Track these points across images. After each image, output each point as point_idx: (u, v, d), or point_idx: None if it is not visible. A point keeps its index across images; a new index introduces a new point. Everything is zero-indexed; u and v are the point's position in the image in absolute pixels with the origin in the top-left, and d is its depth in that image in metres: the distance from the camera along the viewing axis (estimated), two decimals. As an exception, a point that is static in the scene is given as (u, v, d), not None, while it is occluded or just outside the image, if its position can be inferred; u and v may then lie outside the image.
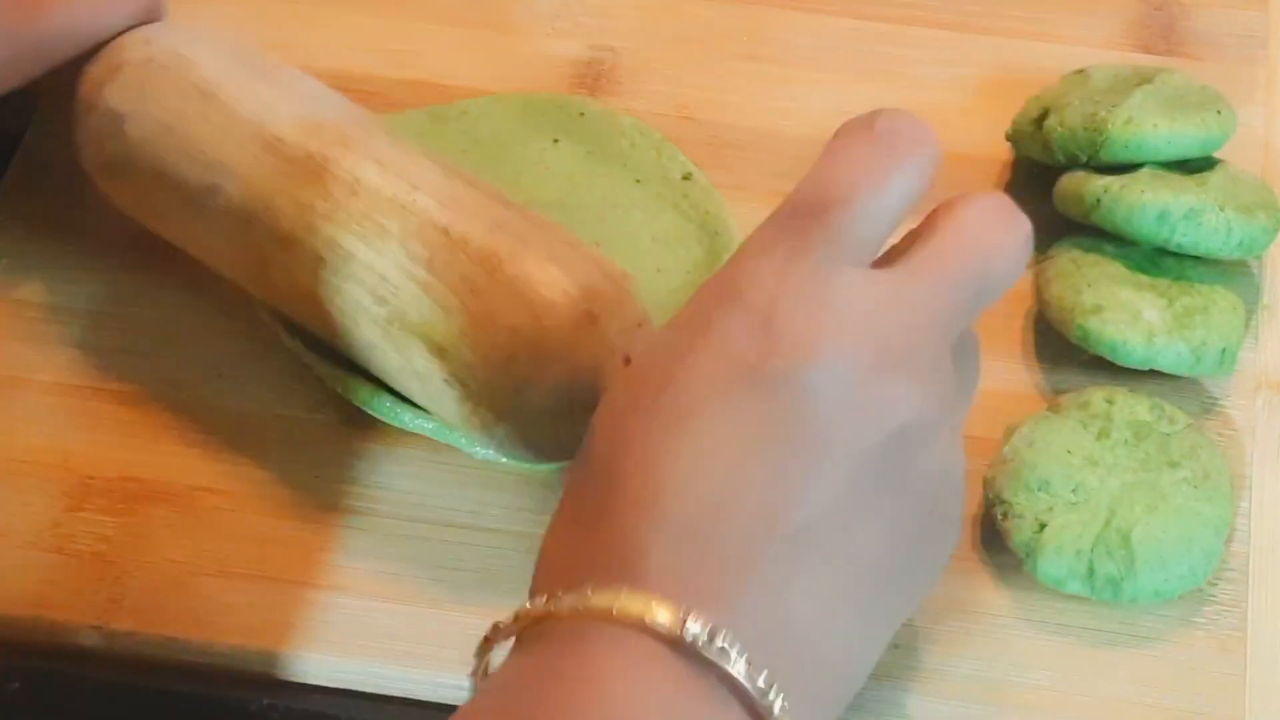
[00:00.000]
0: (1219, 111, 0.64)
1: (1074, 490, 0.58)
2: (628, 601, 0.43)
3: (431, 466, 0.61)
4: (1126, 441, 0.59)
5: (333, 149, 0.58)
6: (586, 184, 0.67)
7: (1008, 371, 0.63)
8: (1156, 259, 0.63)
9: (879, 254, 0.49)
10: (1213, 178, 0.63)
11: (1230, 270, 0.63)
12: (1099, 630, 0.57)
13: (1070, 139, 0.63)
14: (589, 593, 0.44)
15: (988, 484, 0.58)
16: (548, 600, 0.44)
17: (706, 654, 0.43)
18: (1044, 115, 0.65)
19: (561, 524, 0.47)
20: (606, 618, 0.43)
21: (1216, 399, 0.62)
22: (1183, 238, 0.61)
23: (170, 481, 0.60)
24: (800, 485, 0.45)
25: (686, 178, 0.66)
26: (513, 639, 0.46)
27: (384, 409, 0.59)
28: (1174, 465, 0.58)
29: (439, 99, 0.69)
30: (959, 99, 0.70)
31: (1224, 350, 0.61)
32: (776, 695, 0.43)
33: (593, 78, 0.71)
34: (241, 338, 0.63)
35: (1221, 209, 0.61)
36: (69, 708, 0.57)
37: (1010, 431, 0.59)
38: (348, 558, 0.59)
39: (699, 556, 0.44)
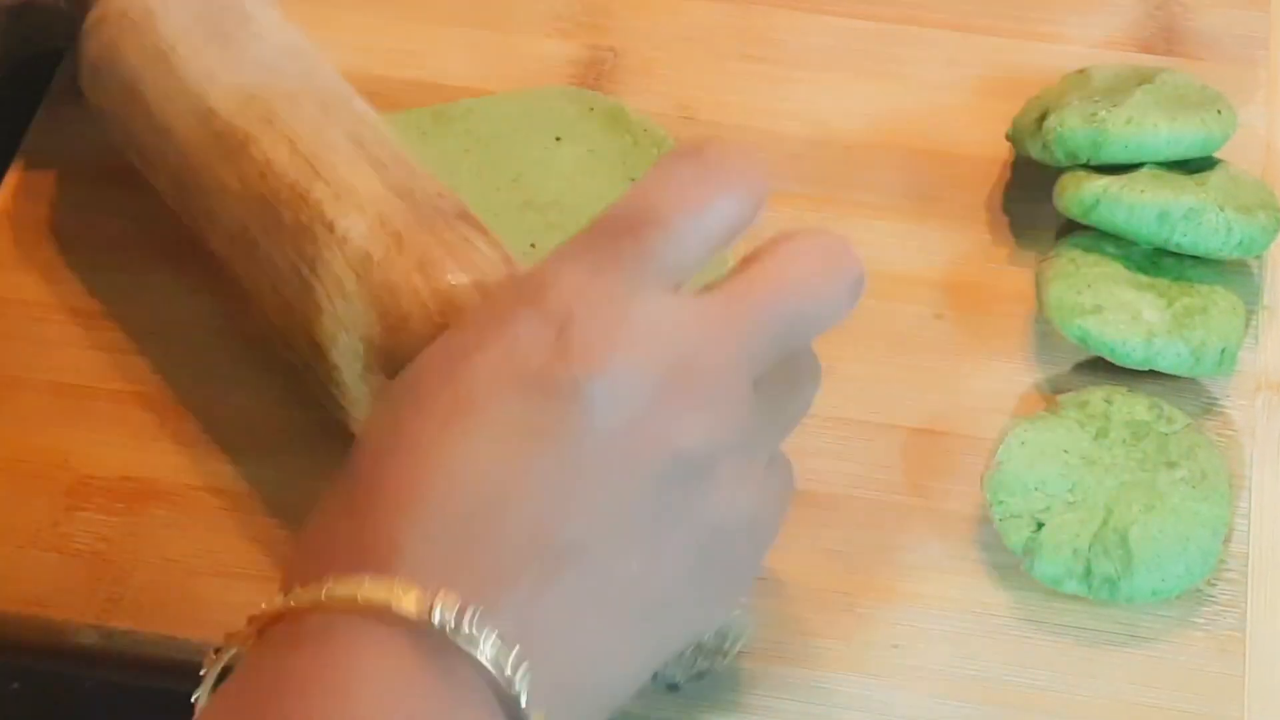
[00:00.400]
0: (1219, 111, 0.64)
1: (1071, 490, 0.58)
2: (371, 589, 0.42)
3: (430, 466, 0.61)
4: (1124, 441, 0.59)
5: (255, 126, 0.57)
6: (586, 183, 0.67)
7: (1008, 372, 0.63)
8: (1156, 259, 0.62)
9: (691, 279, 0.48)
10: (1213, 178, 0.63)
11: (1230, 270, 0.63)
12: (1097, 630, 0.57)
13: (1070, 139, 0.63)
14: (331, 583, 0.42)
15: (985, 484, 0.58)
16: (286, 596, 0.43)
17: (455, 640, 0.41)
18: (1044, 115, 0.65)
19: (320, 514, 0.46)
20: (348, 609, 0.42)
21: (1216, 399, 0.62)
22: (1182, 238, 0.61)
23: (169, 481, 0.60)
24: (571, 499, 0.44)
25: (686, 177, 0.67)
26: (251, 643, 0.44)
27: None
28: (1172, 465, 0.58)
29: (438, 99, 0.69)
30: (959, 99, 0.70)
31: (1223, 350, 0.60)
32: (524, 683, 0.42)
33: (593, 78, 0.71)
34: (241, 338, 0.63)
35: (1221, 209, 0.61)
36: (69, 708, 0.57)
37: (1007, 431, 0.59)
38: (347, 557, 0.59)
39: (457, 554, 0.43)
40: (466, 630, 0.41)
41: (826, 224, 0.66)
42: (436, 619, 0.41)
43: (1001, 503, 0.58)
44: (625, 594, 0.45)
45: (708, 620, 0.49)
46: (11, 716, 0.57)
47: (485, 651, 0.42)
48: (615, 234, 0.46)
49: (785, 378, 0.48)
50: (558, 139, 0.68)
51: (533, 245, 0.65)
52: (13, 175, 0.68)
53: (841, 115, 0.70)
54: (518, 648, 0.42)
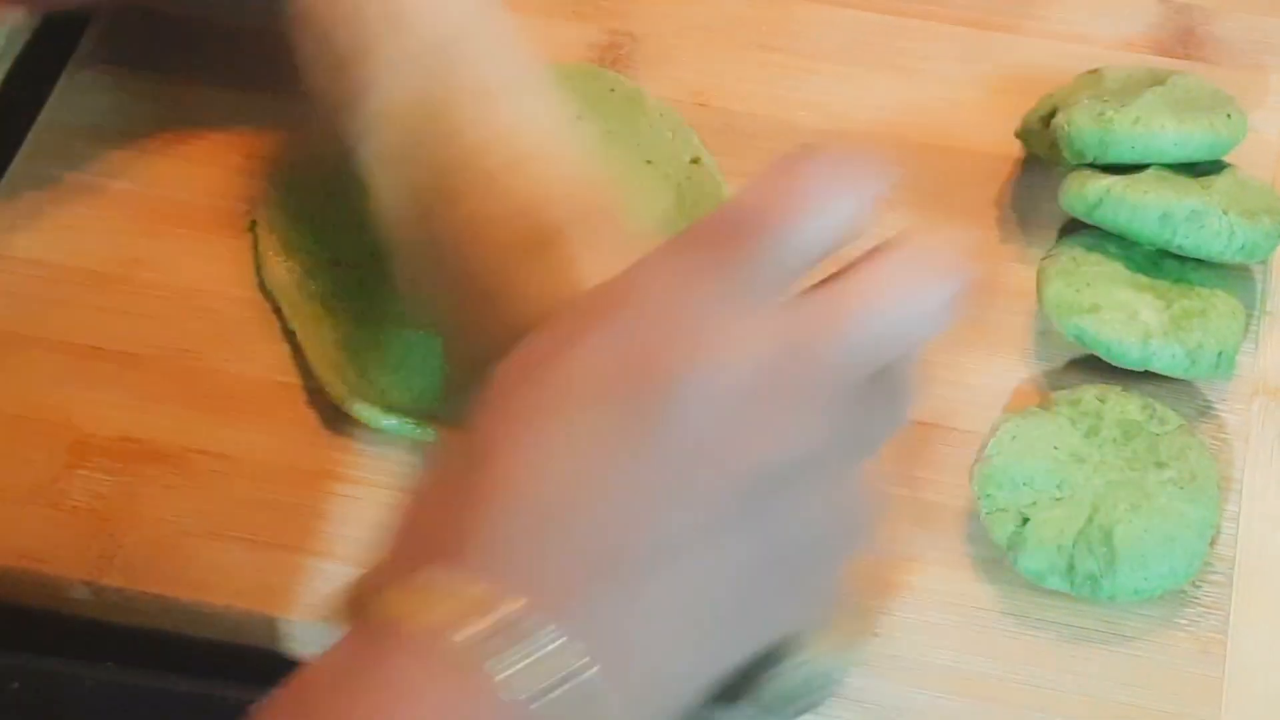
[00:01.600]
0: (1229, 115, 0.63)
1: (1058, 486, 0.58)
2: (455, 586, 0.42)
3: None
4: (1115, 440, 0.59)
5: None
6: (599, 164, 0.67)
7: (1006, 368, 0.63)
8: (1158, 261, 0.62)
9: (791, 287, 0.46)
10: (1219, 181, 0.62)
11: (1233, 274, 0.63)
12: (1080, 627, 0.57)
13: (1078, 137, 0.63)
14: (401, 584, 0.42)
15: (973, 477, 0.58)
16: (371, 581, 0.43)
17: (518, 642, 0.41)
18: (1054, 113, 0.65)
19: (407, 507, 0.46)
20: (411, 613, 0.42)
21: (1212, 403, 0.62)
22: (1184, 240, 0.61)
23: (168, 443, 0.61)
24: (656, 503, 0.43)
25: (695, 161, 0.67)
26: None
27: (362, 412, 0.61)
28: (1161, 465, 0.58)
29: (455, 78, 0.70)
30: (973, 95, 0.70)
31: (1220, 354, 0.60)
32: (593, 686, 0.41)
33: (610, 62, 0.71)
34: (246, 304, 0.64)
35: (1225, 213, 0.61)
36: (69, 707, 0.57)
37: (997, 426, 0.59)
38: (340, 525, 0.59)
39: (533, 557, 0.42)
40: (531, 632, 0.41)
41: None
42: (497, 631, 0.41)
43: (989, 496, 0.58)
44: (702, 599, 0.44)
45: (775, 633, 0.47)
46: (11, 716, 0.57)
47: (544, 666, 0.41)
48: (711, 240, 0.45)
49: (878, 392, 0.46)
50: (578, 117, 0.68)
51: (543, 224, 0.66)
52: (32, 136, 0.69)
53: (854, 107, 0.70)
54: (586, 658, 0.41)
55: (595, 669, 0.41)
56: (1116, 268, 0.62)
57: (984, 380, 0.62)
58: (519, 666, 0.41)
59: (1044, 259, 0.63)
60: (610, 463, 0.43)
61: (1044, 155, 0.65)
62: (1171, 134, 0.62)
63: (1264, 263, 0.65)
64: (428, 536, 0.44)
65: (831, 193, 0.45)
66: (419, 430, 0.60)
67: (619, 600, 0.43)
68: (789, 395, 0.44)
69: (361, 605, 0.43)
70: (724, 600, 0.44)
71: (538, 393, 0.44)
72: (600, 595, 0.42)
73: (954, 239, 0.46)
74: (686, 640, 0.44)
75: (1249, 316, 0.62)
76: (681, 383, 0.43)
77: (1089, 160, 0.63)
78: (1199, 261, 0.62)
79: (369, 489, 0.60)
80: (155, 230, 0.66)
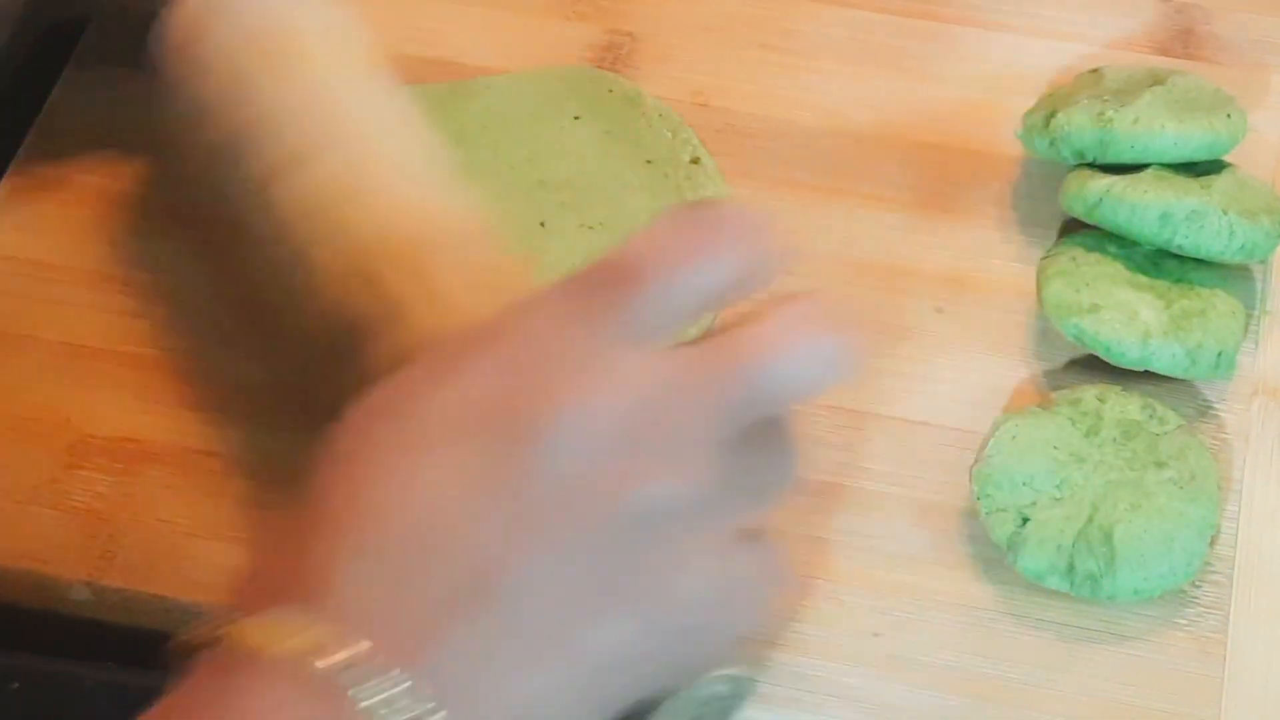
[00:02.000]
0: (1229, 115, 0.63)
1: (1058, 486, 0.58)
2: (290, 628, 0.41)
3: (426, 439, 0.61)
4: (1115, 440, 0.59)
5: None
6: (598, 164, 0.67)
7: (1006, 368, 0.63)
8: (1158, 260, 0.62)
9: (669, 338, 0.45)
10: (1219, 181, 0.62)
11: (1233, 274, 0.63)
12: (1080, 627, 0.57)
13: (1077, 137, 0.63)
14: (255, 617, 0.41)
15: (973, 476, 0.58)
16: (216, 625, 0.42)
17: (367, 690, 0.40)
18: (1053, 113, 0.65)
19: (265, 541, 0.45)
20: (269, 643, 0.41)
21: (1212, 403, 0.62)
22: (1184, 239, 0.61)
23: (168, 443, 0.61)
24: (515, 546, 0.42)
25: (694, 162, 0.67)
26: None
27: None
28: (1161, 465, 0.58)
29: (455, 78, 0.70)
30: (974, 94, 0.70)
31: (1220, 354, 0.60)
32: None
33: (609, 61, 0.71)
34: (246, 305, 0.64)
35: (1225, 212, 0.61)
36: (69, 707, 0.57)
37: (997, 426, 0.59)
38: (339, 525, 0.59)
39: (389, 596, 0.41)
40: (377, 682, 0.40)
41: (835, 215, 0.66)
42: (351, 666, 0.40)
43: (989, 496, 0.58)
44: (567, 650, 0.42)
45: (660, 684, 0.46)
46: (11, 716, 0.57)
47: (397, 704, 0.40)
48: (595, 285, 0.45)
49: (759, 446, 0.45)
50: (576, 117, 0.69)
51: (543, 224, 0.66)
52: (34, 135, 0.69)
53: (854, 106, 0.70)
54: (433, 703, 0.40)
55: (442, 713, 0.40)
56: (1116, 268, 0.62)
57: (983, 379, 0.62)
58: (378, 698, 0.40)
59: (1044, 259, 0.63)
60: (467, 505, 0.42)
61: (1044, 155, 0.65)
62: (1170, 134, 0.62)
63: (1264, 263, 0.65)
64: (281, 575, 0.43)
65: (714, 249, 0.45)
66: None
67: (472, 647, 0.41)
68: (656, 441, 0.43)
69: (213, 640, 0.42)
70: (595, 648, 0.43)
71: (400, 429, 0.43)
72: (453, 641, 0.41)
73: (846, 301, 0.45)
74: (551, 688, 0.43)
75: (1249, 316, 0.62)
76: (555, 419, 0.42)
77: (1089, 160, 0.63)
78: (1199, 261, 0.62)
79: (369, 489, 0.60)
80: (155, 230, 0.66)
